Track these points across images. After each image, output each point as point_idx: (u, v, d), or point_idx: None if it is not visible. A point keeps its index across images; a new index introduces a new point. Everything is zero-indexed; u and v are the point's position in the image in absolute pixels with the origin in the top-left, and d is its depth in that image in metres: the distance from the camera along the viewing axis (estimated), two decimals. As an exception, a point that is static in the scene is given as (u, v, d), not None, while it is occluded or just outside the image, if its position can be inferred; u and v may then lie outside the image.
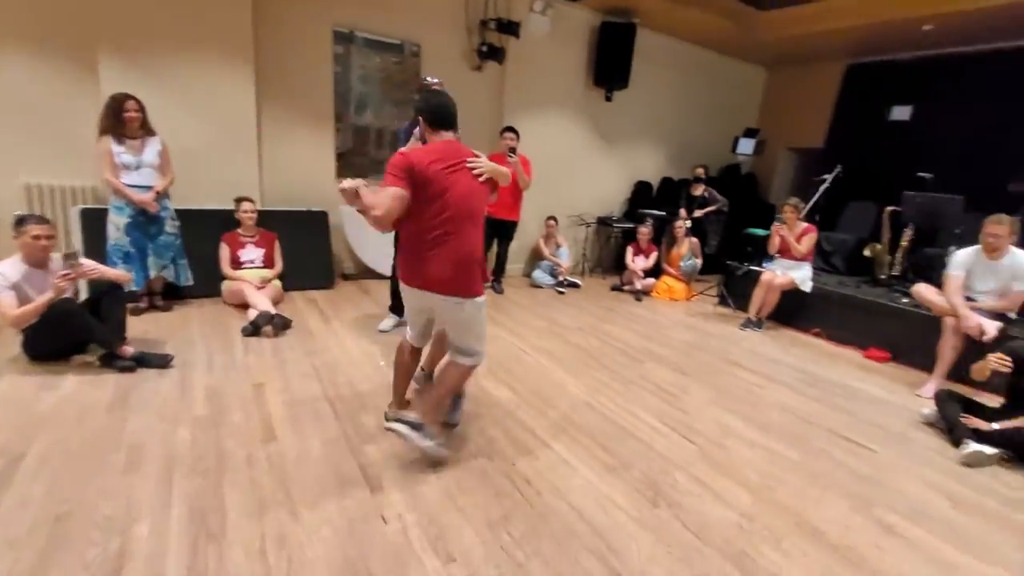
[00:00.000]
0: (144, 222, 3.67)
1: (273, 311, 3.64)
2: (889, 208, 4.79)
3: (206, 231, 4.14)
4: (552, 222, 6.07)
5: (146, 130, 3.64)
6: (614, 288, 5.93)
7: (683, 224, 5.87)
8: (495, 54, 5.36)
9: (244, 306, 3.83)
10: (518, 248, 5.80)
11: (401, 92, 5.20)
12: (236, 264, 4.16)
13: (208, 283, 4.12)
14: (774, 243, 4.77)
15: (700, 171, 6.23)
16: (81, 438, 2.21)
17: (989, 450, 2.60)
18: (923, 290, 3.79)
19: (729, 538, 1.93)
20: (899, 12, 4.90)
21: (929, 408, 3.05)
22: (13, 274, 2.76)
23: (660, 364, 3.65)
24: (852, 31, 5.51)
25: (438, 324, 2.36)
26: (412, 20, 5.06)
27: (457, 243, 2.08)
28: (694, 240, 5.91)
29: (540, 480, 2.17)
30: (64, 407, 2.45)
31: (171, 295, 4.00)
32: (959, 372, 3.40)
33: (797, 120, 7.22)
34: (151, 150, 3.64)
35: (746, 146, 6.62)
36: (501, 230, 5.15)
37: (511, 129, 4.83)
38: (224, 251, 4.13)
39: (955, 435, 2.77)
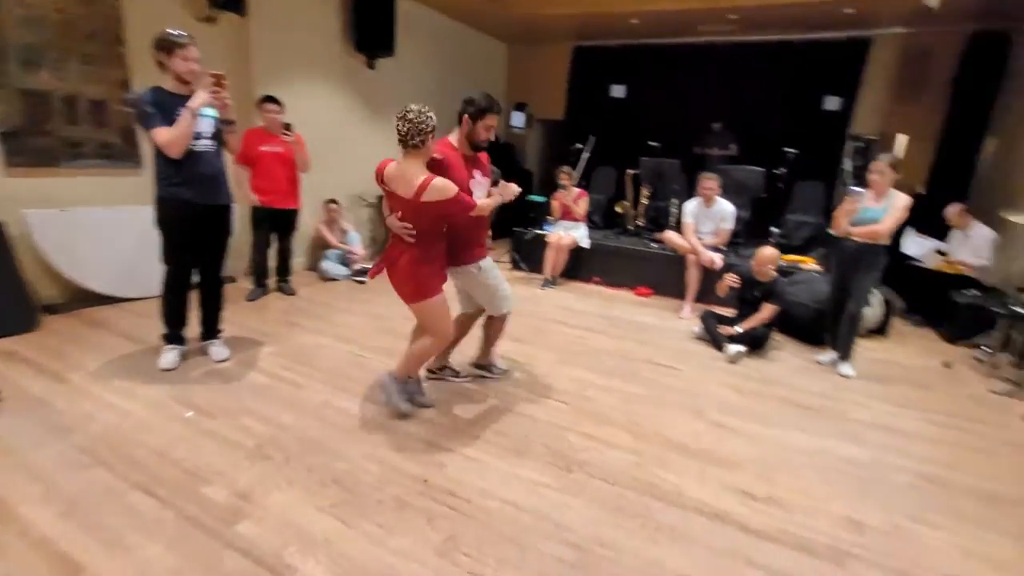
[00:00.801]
0: None
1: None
2: (630, 171, 5.89)
3: None
4: (334, 205, 5.51)
5: None
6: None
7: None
8: (233, 3, 4.42)
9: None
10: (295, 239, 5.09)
11: (95, 46, 3.85)
12: None
13: None
14: (556, 208, 5.38)
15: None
16: None
17: (741, 348, 3.59)
18: (670, 236, 4.86)
19: (635, 476, 2.23)
20: (610, 6, 5.88)
21: (697, 327, 4.00)
22: None
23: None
24: (575, 18, 6.39)
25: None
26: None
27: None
28: (480, 211, 6.21)
29: (461, 488, 2.09)
30: None
31: None
32: (703, 295, 4.54)
33: (541, 94, 8.08)
34: None
35: (518, 119, 7.14)
36: (280, 221, 4.44)
37: (273, 100, 4.14)
38: None
39: (718, 343, 3.72)
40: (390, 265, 2.45)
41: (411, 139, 2.23)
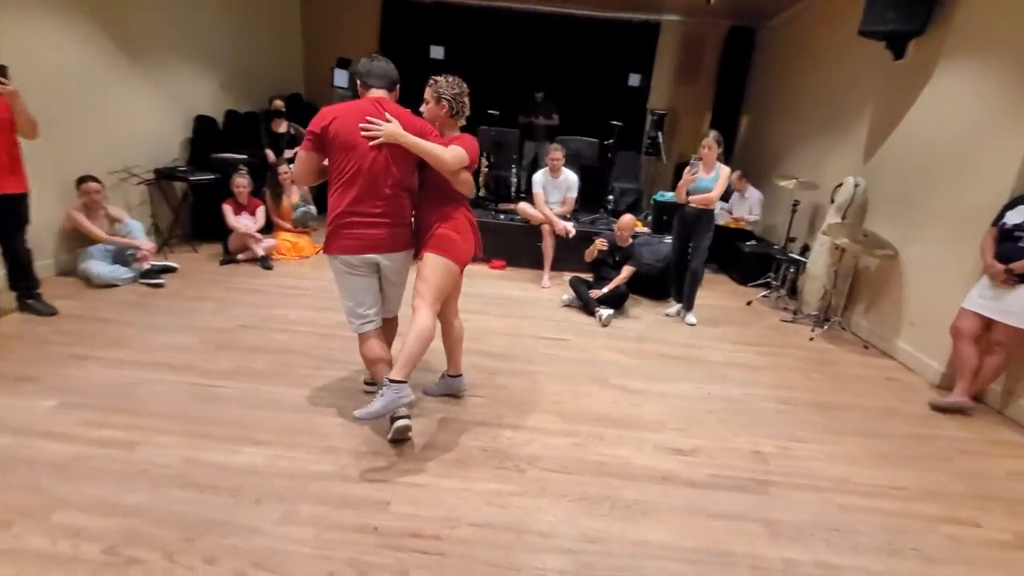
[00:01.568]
0: None
1: None
2: (467, 141, 5.73)
3: None
4: (93, 185, 4.08)
5: None
6: (226, 261, 4.74)
7: (288, 169, 5.20)
8: None
9: None
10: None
11: None
12: None
13: None
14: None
15: (279, 103, 5.55)
16: None
17: (610, 311, 3.88)
18: (524, 207, 4.92)
19: (583, 459, 2.23)
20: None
21: (566, 295, 4.18)
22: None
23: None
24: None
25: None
26: None
27: None
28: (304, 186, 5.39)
29: (421, 524, 1.80)
30: None
31: None
32: (557, 263, 4.75)
33: (344, 49, 7.21)
34: None
35: (342, 78, 6.20)
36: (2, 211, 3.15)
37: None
38: None
39: (590, 307, 3.96)
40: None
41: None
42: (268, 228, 5.13)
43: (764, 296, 4.71)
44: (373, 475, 2.03)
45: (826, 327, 3.94)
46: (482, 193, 5.86)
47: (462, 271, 2.38)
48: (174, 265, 4.39)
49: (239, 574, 1.55)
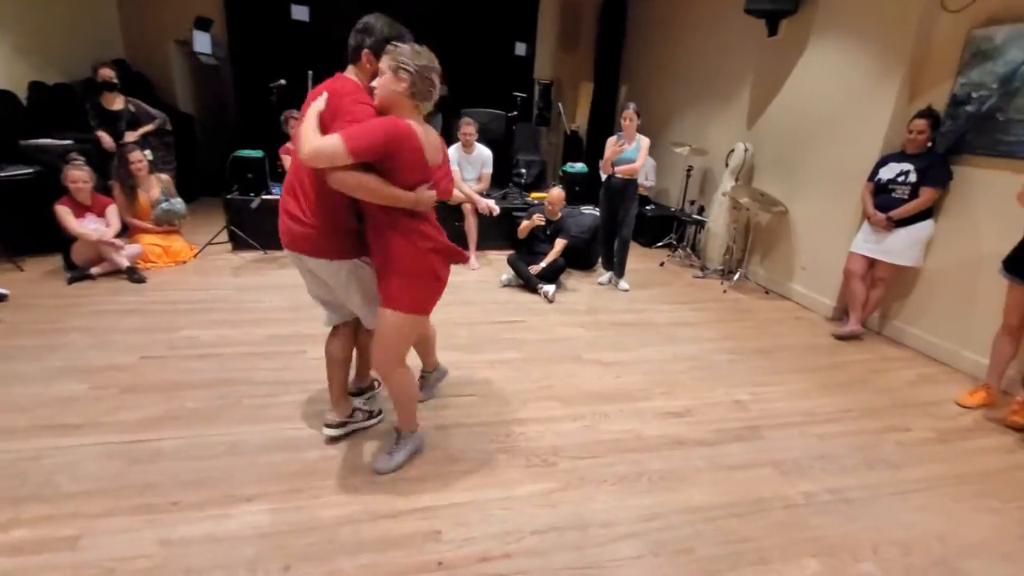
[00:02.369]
0: None
1: None
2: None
3: None
4: None
5: None
6: (76, 278, 3.74)
7: (142, 156, 4.25)
8: None
9: None
10: None
11: None
12: None
13: None
14: (287, 162, 4.33)
15: (107, 73, 4.44)
16: None
17: (552, 287, 3.90)
18: (441, 186, 4.64)
19: (599, 440, 2.24)
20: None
21: (505, 275, 4.09)
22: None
23: (317, 346, 2.98)
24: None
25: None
26: None
27: None
28: (164, 176, 4.45)
29: (482, 546, 1.66)
30: None
31: None
32: (482, 242, 4.61)
33: (174, 5, 5.97)
34: None
35: (203, 43, 5.03)
36: None
37: None
38: None
39: (532, 284, 3.94)
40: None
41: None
42: (123, 231, 4.17)
43: (670, 256, 5.13)
44: (405, 505, 1.80)
45: (734, 279, 4.44)
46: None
47: (429, 312, 2.01)
48: (2, 291, 3.37)
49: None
